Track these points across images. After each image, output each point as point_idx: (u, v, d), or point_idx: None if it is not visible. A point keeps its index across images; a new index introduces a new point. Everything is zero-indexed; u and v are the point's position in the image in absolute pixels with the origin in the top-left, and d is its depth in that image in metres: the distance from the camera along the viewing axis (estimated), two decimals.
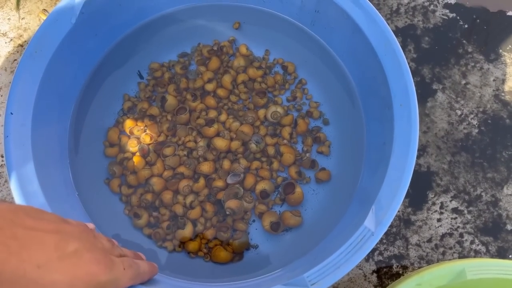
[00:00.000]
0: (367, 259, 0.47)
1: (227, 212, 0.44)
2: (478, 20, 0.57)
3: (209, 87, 0.49)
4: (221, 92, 0.49)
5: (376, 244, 0.48)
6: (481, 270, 0.36)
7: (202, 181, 0.46)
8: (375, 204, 0.36)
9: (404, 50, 0.46)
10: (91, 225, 0.33)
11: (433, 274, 0.36)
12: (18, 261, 0.23)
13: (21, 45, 0.55)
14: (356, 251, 0.34)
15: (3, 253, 0.23)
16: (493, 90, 0.54)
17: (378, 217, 0.35)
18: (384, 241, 0.48)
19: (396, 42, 0.40)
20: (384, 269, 0.47)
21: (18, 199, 0.35)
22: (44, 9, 0.56)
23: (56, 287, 0.24)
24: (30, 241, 0.24)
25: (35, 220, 0.25)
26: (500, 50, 0.56)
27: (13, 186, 0.35)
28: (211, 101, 0.49)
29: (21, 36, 0.55)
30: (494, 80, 0.55)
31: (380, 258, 0.48)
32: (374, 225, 0.35)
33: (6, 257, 0.23)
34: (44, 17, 0.54)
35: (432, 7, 0.58)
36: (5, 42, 0.55)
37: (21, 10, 0.56)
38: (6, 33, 0.55)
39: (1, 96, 0.52)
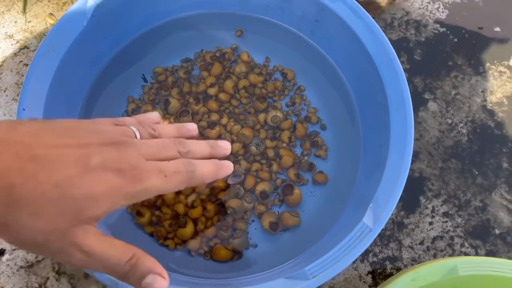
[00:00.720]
0: (362, 260, 0.49)
1: (228, 211, 0.46)
2: (467, 35, 0.61)
3: (212, 91, 0.51)
4: (223, 96, 0.51)
5: (371, 246, 0.49)
6: (472, 267, 0.37)
7: None
8: (373, 203, 0.38)
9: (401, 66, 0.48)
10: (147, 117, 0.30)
11: (427, 270, 0.37)
12: (35, 183, 0.22)
13: (27, 47, 0.56)
14: (355, 246, 0.35)
15: (20, 177, 0.22)
16: (481, 101, 0.57)
17: (376, 214, 0.37)
18: (379, 243, 0.50)
19: (392, 51, 0.42)
20: (378, 270, 0.49)
21: None
22: (51, 13, 0.57)
23: (77, 202, 0.23)
24: (48, 162, 0.23)
25: (57, 137, 0.24)
26: (488, 63, 0.59)
27: None
28: (213, 104, 0.51)
29: (27, 38, 0.56)
30: (482, 91, 0.58)
31: (375, 259, 0.49)
32: (372, 222, 0.37)
33: (23, 181, 0.22)
34: (51, 21, 0.56)
35: (424, 21, 0.61)
36: (11, 44, 0.56)
37: (28, 14, 0.58)
38: (12, 35, 0.56)
39: (7, 96, 0.53)
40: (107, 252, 0.25)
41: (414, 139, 0.55)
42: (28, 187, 0.22)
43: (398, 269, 0.49)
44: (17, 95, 0.53)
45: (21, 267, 0.46)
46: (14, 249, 0.47)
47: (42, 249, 0.24)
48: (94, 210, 0.24)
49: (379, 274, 0.49)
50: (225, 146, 0.33)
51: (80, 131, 0.26)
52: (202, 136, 0.49)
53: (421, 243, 0.50)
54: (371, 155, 0.45)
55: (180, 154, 0.30)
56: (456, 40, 0.60)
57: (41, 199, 0.22)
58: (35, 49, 0.55)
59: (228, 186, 0.47)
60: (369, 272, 0.49)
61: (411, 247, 0.50)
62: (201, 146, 0.32)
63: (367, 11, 0.45)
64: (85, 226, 0.24)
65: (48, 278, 0.46)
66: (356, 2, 0.45)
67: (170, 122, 0.50)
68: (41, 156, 0.23)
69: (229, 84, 0.51)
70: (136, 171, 0.26)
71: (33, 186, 0.22)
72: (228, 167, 0.32)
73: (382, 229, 0.50)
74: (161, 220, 0.47)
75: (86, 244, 0.24)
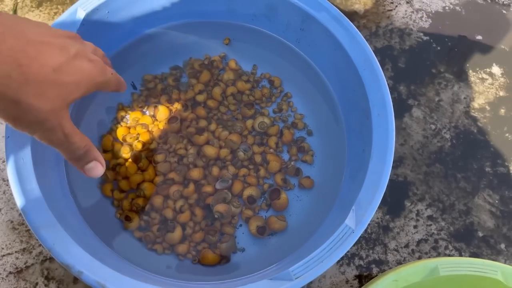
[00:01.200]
0: (348, 263, 0.50)
1: (216, 216, 0.47)
2: (449, 43, 0.62)
3: (200, 98, 0.52)
4: (211, 103, 0.52)
5: (357, 250, 0.50)
6: (453, 267, 0.38)
7: (191, 187, 0.48)
8: (355, 205, 0.39)
9: (382, 69, 0.50)
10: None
11: (408, 271, 0.38)
12: (39, 65, 0.26)
13: None
14: (338, 247, 0.36)
15: (26, 58, 0.26)
16: (464, 107, 0.59)
17: (358, 216, 0.38)
18: (365, 246, 0.51)
19: (374, 57, 0.44)
20: (365, 273, 0.50)
21: (17, 196, 0.36)
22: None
23: (67, 86, 0.28)
24: (41, 47, 0.27)
25: (35, 27, 0.28)
26: (470, 71, 0.61)
27: (13, 183, 0.37)
28: (201, 111, 0.52)
29: None
30: (464, 98, 0.59)
31: (361, 263, 0.50)
32: (355, 224, 0.37)
33: (29, 62, 0.26)
34: None
35: (407, 30, 0.63)
36: None
37: None
38: None
39: None
40: (76, 137, 0.31)
41: (399, 145, 0.56)
42: (33, 68, 0.26)
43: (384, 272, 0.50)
44: None
45: (10, 272, 0.47)
46: (3, 255, 0.47)
47: (38, 126, 0.28)
48: (76, 94, 0.29)
49: (366, 278, 0.50)
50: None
51: (44, 25, 0.30)
52: (190, 142, 0.50)
53: (406, 246, 0.51)
54: (355, 159, 0.46)
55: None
56: (439, 48, 0.62)
57: (44, 80, 0.27)
58: None
59: (215, 191, 0.48)
60: (355, 276, 0.49)
61: (397, 250, 0.51)
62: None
63: (351, 20, 0.47)
64: (66, 110, 0.29)
65: (37, 283, 0.46)
66: (340, 11, 0.47)
67: (159, 129, 0.51)
68: (35, 41, 0.27)
69: (217, 91, 0.53)
70: (101, 65, 0.32)
71: (38, 68, 0.26)
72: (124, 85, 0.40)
73: (368, 233, 0.51)
74: (150, 225, 0.47)
75: (67, 127, 0.29)
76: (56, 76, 0.27)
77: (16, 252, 0.48)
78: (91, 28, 0.46)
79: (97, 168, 0.33)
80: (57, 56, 0.28)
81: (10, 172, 0.37)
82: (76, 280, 0.47)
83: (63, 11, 0.60)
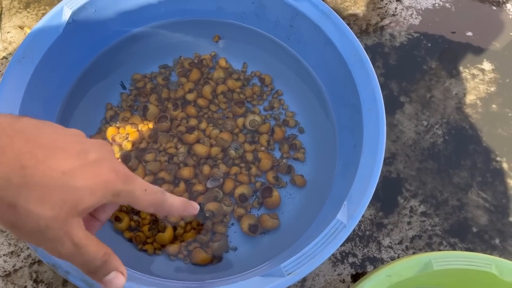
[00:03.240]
0: (342, 261, 0.49)
1: (207, 214, 0.46)
2: (440, 40, 0.62)
3: (190, 97, 0.52)
4: (201, 101, 0.52)
5: (351, 247, 0.50)
6: (446, 261, 0.38)
7: (182, 186, 0.47)
8: (347, 200, 0.38)
9: (373, 66, 0.50)
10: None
11: (402, 266, 0.38)
12: (46, 168, 0.24)
13: (6, 58, 0.56)
14: (329, 242, 0.36)
15: (32, 160, 0.24)
16: (455, 103, 0.59)
17: (350, 211, 0.37)
18: (359, 244, 0.50)
19: (363, 52, 0.43)
20: (359, 271, 0.49)
21: None
22: (28, 27, 0.57)
23: (78, 192, 0.25)
24: (54, 151, 0.25)
25: (58, 134, 0.27)
26: (461, 67, 0.61)
27: None
28: (191, 110, 0.51)
29: (6, 49, 0.57)
30: (456, 94, 0.59)
31: (355, 260, 0.49)
32: (347, 218, 0.37)
33: (35, 164, 0.24)
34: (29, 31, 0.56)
35: (398, 27, 0.63)
36: None
37: (7, 24, 0.58)
38: None
39: None
40: (89, 247, 0.27)
41: (391, 141, 0.56)
42: (38, 170, 0.24)
43: None
44: None
45: None
46: None
47: (40, 236, 0.25)
48: (88, 201, 0.26)
49: (360, 275, 0.49)
50: (196, 206, 0.36)
51: (72, 132, 0.29)
52: (180, 140, 0.50)
53: (400, 242, 0.51)
54: (346, 155, 0.45)
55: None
56: (429, 44, 0.62)
57: (49, 184, 0.24)
58: None
59: (207, 190, 0.48)
60: (349, 273, 0.49)
61: (390, 247, 0.50)
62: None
63: (342, 18, 0.47)
64: (77, 218, 0.26)
65: (25, 286, 0.46)
66: (328, 7, 0.47)
67: (149, 128, 0.50)
68: (48, 145, 0.25)
69: (207, 90, 0.52)
70: (127, 173, 0.29)
71: (43, 170, 0.24)
72: (194, 207, 0.35)
73: (361, 230, 0.51)
74: (140, 225, 0.46)
75: (77, 236, 0.26)
76: (65, 180, 0.25)
77: (4, 255, 0.47)
78: (77, 27, 0.45)
79: (118, 279, 0.29)
80: (71, 159, 0.26)
81: None
82: (65, 282, 0.46)
83: None
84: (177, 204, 0.33)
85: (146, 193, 0.30)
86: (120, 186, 0.28)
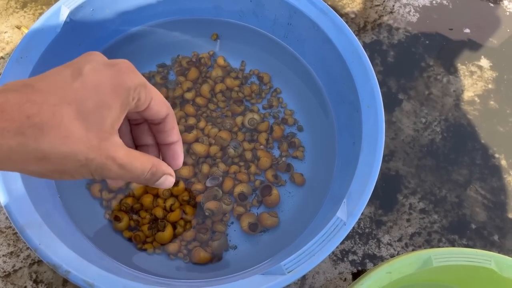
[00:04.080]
0: (342, 259, 0.49)
1: (207, 213, 0.46)
2: (437, 37, 0.62)
3: (188, 95, 0.52)
4: (200, 100, 0.52)
5: (350, 245, 0.50)
6: (445, 258, 0.38)
7: (181, 185, 0.47)
8: (346, 197, 0.38)
9: (371, 64, 0.50)
10: None
11: (402, 263, 0.38)
12: (51, 107, 0.23)
13: (3, 58, 0.56)
14: (329, 240, 0.36)
15: (33, 108, 0.22)
16: (454, 100, 0.59)
17: (349, 208, 0.38)
18: (358, 241, 0.50)
19: (362, 50, 0.44)
20: (359, 268, 0.49)
21: (1, 195, 0.36)
22: (25, 27, 0.57)
23: (94, 113, 0.24)
24: (49, 85, 0.24)
25: (52, 70, 0.25)
26: (458, 64, 0.61)
27: None
28: (190, 109, 0.51)
29: (3, 49, 0.56)
30: (454, 91, 0.59)
31: (355, 257, 0.50)
32: (346, 216, 0.37)
33: (38, 110, 0.22)
34: (27, 31, 0.56)
35: (396, 25, 0.63)
36: None
37: (4, 24, 0.58)
38: None
39: None
40: (134, 163, 0.26)
41: (390, 139, 0.56)
42: (45, 113, 0.22)
43: None
44: None
45: None
46: None
47: (86, 170, 0.24)
48: (111, 116, 0.25)
49: (360, 272, 0.49)
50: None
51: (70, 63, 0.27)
52: None
53: (400, 240, 0.51)
54: (345, 153, 0.45)
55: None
56: (427, 42, 0.62)
57: (64, 120, 0.23)
58: None
59: (206, 189, 0.48)
60: (349, 271, 0.49)
61: (390, 244, 0.50)
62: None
63: (340, 16, 0.47)
64: (111, 138, 0.25)
65: (25, 287, 0.45)
66: (326, 5, 0.46)
67: None
68: (40, 86, 0.23)
69: (205, 89, 0.52)
70: (128, 65, 0.27)
71: (50, 111, 0.23)
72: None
73: (361, 228, 0.51)
74: (140, 225, 0.46)
75: (119, 157, 0.25)
76: (75, 109, 0.23)
77: (3, 255, 0.47)
78: (75, 27, 0.45)
79: (167, 181, 0.30)
80: (69, 85, 0.24)
81: None
82: (65, 282, 0.46)
83: None
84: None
85: (159, 94, 0.28)
86: (129, 81, 0.25)
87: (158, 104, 0.28)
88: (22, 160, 0.23)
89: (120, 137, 0.27)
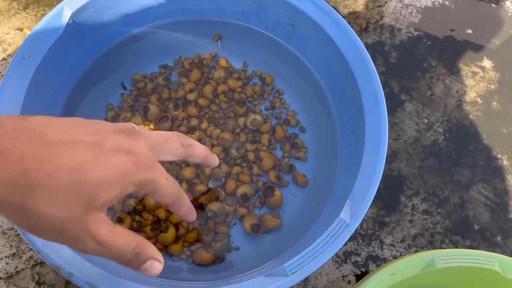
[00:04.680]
0: (344, 260, 0.49)
1: (209, 214, 0.46)
2: (440, 38, 0.62)
3: (191, 96, 0.52)
4: (202, 101, 0.52)
5: (353, 246, 0.50)
6: (449, 259, 0.38)
7: (184, 186, 0.47)
8: (349, 199, 0.38)
9: (373, 64, 0.50)
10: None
11: (405, 264, 0.38)
12: (51, 168, 0.23)
13: (5, 59, 0.56)
14: (333, 241, 0.36)
15: (35, 162, 0.23)
16: (456, 101, 0.59)
17: (352, 210, 0.37)
18: (361, 242, 0.50)
19: (364, 50, 0.43)
20: (362, 269, 0.49)
21: None
22: (28, 28, 0.57)
23: (91, 188, 0.24)
24: (62, 147, 0.24)
25: (69, 127, 0.25)
26: (461, 65, 0.61)
27: None
28: (192, 110, 0.51)
29: (5, 50, 0.56)
30: (456, 92, 0.59)
31: (357, 259, 0.49)
32: (350, 217, 0.37)
33: (39, 165, 0.23)
34: (29, 32, 0.56)
35: (398, 25, 0.63)
36: None
37: (6, 26, 0.58)
38: None
39: None
40: (116, 242, 0.26)
41: (392, 140, 0.56)
42: (44, 171, 0.23)
43: None
44: None
45: (0, 278, 0.46)
46: None
47: (59, 235, 0.24)
48: (106, 195, 0.24)
49: (362, 274, 0.49)
50: (216, 158, 0.37)
51: (90, 122, 0.27)
52: None
53: (402, 241, 0.51)
54: (348, 154, 0.45)
55: (182, 146, 0.32)
56: (429, 42, 0.62)
57: (57, 184, 0.23)
58: None
59: (209, 190, 0.48)
60: (352, 272, 0.49)
61: (393, 246, 0.50)
62: (200, 146, 0.35)
63: (342, 16, 0.47)
64: (97, 213, 0.24)
65: None
66: (329, 5, 0.46)
67: (150, 129, 0.50)
68: (55, 142, 0.24)
69: (208, 90, 0.52)
70: (147, 159, 0.27)
71: (49, 171, 0.23)
72: (216, 158, 0.36)
73: (364, 229, 0.51)
74: (142, 226, 0.46)
75: (99, 233, 0.25)
76: (75, 177, 0.23)
77: (6, 257, 0.47)
78: (78, 28, 0.45)
79: (154, 267, 0.28)
80: (81, 154, 0.24)
81: None
82: (68, 284, 0.46)
83: None
84: (189, 204, 0.32)
85: (168, 182, 0.28)
86: (140, 175, 0.25)
87: (162, 196, 0.28)
88: (2, 205, 0.23)
89: None
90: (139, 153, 0.26)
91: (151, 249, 0.28)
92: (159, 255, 0.29)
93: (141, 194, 0.28)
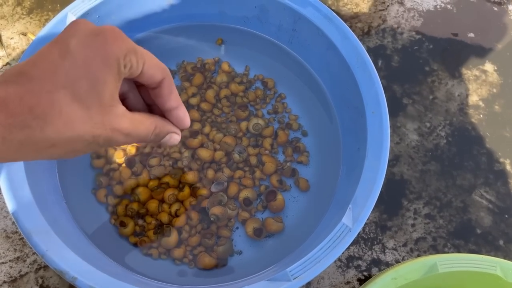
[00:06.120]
0: (347, 264, 0.49)
1: (212, 218, 0.46)
2: (442, 41, 0.62)
3: (193, 101, 0.52)
4: (204, 106, 0.52)
5: (355, 250, 0.50)
6: (451, 264, 0.38)
7: (187, 190, 0.48)
8: (352, 203, 0.38)
9: (375, 68, 0.50)
10: None
11: (407, 269, 0.38)
12: (46, 93, 0.23)
13: (9, 64, 0.56)
14: (335, 246, 0.36)
15: (32, 98, 0.23)
16: (458, 105, 0.59)
17: (355, 214, 0.38)
18: (363, 246, 0.50)
19: (366, 55, 0.44)
20: (364, 273, 0.49)
21: (8, 201, 0.36)
22: (32, 33, 0.58)
23: (93, 86, 0.24)
24: (44, 70, 0.24)
25: (39, 52, 0.25)
26: (463, 68, 0.61)
27: (4, 188, 0.36)
28: (195, 114, 0.51)
29: (9, 55, 0.57)
30: (458, 95, 0.59)
31: (360, 263, 0.50)
32: (352, 222, 0.37)
33: (37, 99, 0.23)
34: (33, 37, 0.56)
35: (400, 29, 0.63)
36: None
37: (10, 30, 0.58)
38: None
39: None
40: (139, 130, 0.28)
41: (394, 143, 0.56)
42: (43, 102, 0.23)
43: None
44: None
45: (4, 282, 0.46)
46: None
47: (94, 145, 0.25)
48: (107, 90, 0.24)
49: (365, 278, 0.49)
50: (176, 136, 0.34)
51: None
52: (184, 145, 0.50)
53: (405, 245, 0.51)
54: (350, 158, 0.46)
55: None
56: (431, 46, 0.62)
57: (63, 107, 0.23)
58: None
59: (211, 194, 0.48)
60: (354, 276, 0.49)
61: (395, 249, 0.50)
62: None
63: (343, 20, 0.47)
64: (113, 109, 0.25)
65: None
66: (331, 11, 0.47)
67: None
68: (39, 72, 0.23)
69: (210, 94, 0.52)
70: (114, 31, 0.26)
71: (47, 98, 0.23)
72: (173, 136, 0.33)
73: (366, 233, 0.51)
74: (145, 230, 0.47)
75: (124, 128, 0.26)
76: (70, 91, 0.23)
77: (10, 261, 0.47)
78: None
79: (173, 138, 0.31)
80: (57, 62, 0.24)
81: (2, 177, 0.37)
82: (71, 287, 0.46)
83: None
84: (178, 95, 0.31)
85: (153, 57, 0.27)
86: (119, 48, 0.24)
87: (152, 67, 0.27)
88: (33, 150, 0.24)
89: (129, 98, 0.29)
90: (103, 30, 0.25)
91: (168, 126, 0.30)
92: (176, 129, 0.31)
93: (136, 73, 0.26)
